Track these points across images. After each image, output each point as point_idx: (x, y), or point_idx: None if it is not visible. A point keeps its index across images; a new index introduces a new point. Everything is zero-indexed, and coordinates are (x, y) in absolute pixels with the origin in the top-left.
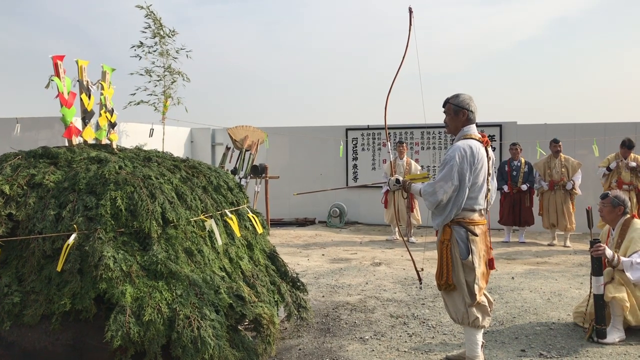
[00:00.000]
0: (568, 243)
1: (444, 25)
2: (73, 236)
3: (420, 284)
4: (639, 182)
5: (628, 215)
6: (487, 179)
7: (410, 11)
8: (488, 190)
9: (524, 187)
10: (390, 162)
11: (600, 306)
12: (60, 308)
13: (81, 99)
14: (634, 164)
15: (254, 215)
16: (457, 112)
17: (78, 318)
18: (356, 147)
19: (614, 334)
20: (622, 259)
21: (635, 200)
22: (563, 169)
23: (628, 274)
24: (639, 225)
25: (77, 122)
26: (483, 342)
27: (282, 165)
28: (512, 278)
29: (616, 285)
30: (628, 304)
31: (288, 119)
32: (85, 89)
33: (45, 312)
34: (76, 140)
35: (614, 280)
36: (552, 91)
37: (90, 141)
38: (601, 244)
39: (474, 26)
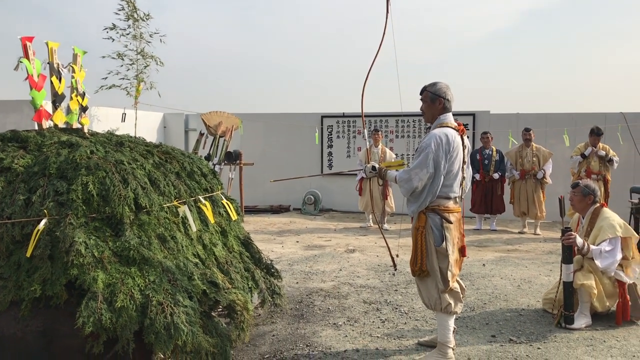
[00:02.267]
0: (538, 231)
1: (419, 15)
2: (43, 221)
3: (395, 269)
4: (607, 171)
5: (597, 204)
6: (462, 167)
7: None
8: (463, 178)
9: (496, 175)
10: (366, 149)
11: (570, 293)
12: (30, 294)
13: (51, 82)
14: (603, 152)
15: (228, 202)
16: (434, 100)
17: (48, 304)
18: (331, 134)
19: (581, 320)
20: (592, 247)
21: (603, 189)
22: (534, 158)
23: (597, 262)
24: (608, 214)
25: (48, 106)
26: (454, 328)
27: (256, 151)
28: (483, 265)
29: (585, 272)
30: (596, 291)
31: (263, 105)
32: (55, 72)
33: (14, 299)
34: (46, 124)
35: (583, 268)
36: (525, 81)
37: (61, 125)
38: (572, 233)
39: (449, 16)
